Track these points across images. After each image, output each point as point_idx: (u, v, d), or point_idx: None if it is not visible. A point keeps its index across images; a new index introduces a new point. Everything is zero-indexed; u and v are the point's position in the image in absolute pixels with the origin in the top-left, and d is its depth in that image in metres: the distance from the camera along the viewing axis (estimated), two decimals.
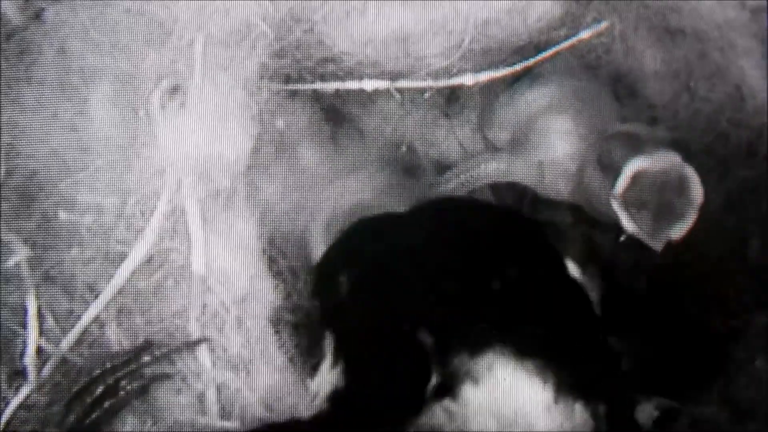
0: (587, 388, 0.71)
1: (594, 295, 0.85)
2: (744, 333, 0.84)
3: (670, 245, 0.84)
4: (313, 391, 0.80)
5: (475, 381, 0.70)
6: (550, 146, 0.93)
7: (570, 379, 0.70)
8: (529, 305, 0.75)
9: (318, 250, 0.92)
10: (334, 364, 0.78)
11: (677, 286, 0.88)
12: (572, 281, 0.81)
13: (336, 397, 0.76)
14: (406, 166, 1.01)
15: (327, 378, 0.78)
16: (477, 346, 0.71)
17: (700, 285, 0.87)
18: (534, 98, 0.94)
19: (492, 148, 0.99)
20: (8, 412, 0.81)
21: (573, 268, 0.86)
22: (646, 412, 0.85)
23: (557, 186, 0.94)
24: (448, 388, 0.70)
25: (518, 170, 0.95)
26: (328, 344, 0.80)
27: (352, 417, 0.74)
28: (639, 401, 0.84)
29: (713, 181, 0.87)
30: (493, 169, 0.96)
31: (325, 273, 0.87)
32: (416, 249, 0.80)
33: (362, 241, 0.86)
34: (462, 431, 0.69)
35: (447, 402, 0.70)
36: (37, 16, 0.86)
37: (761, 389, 0.83)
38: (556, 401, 0.69)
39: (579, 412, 0.70)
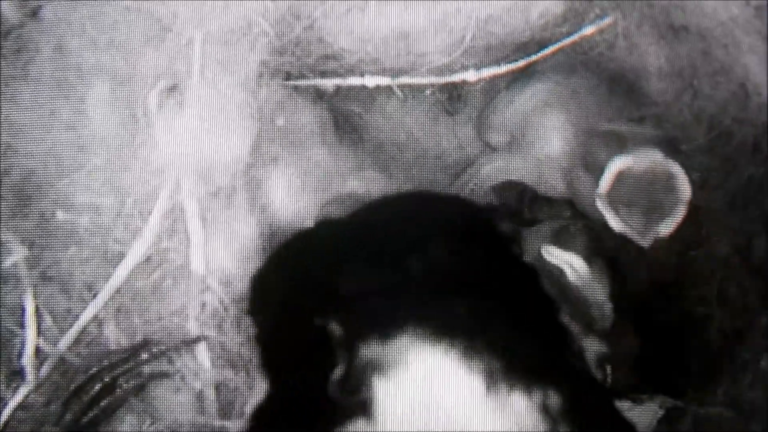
0: (526, 373, 0.58)
1: (603, 289, 0.84)
2: (748, 333, 0.84)
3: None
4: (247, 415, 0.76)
5: (385, 372, 0.58)
6: (547, 143, 0.92)
7: (503, 362, 0.58)
8: (452, 282, 0.67)
9: None
10: (261, 379, 0.73)
11: (681, 285, 0.88)
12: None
13: (258, 415, 0.70)
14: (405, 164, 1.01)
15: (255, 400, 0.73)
16: (387, 330, 0.59)
17: (704, 284, 0.87)
18: (532, 95, 0.94)
19: (490, 149, 0.99)
20: (6, 413, 0.80)
21: (579, 264, 0.85)
22: (651, 410, 0.83)
23: (555, 183, 0.93)
24: (353, 384, 0.58)
25: (516, 168, 0.95)
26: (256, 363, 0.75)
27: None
28: (642, 400, 0.82)
29: (717, 180, 0.87)
30: (492, 170, 0.96)
31: (258, 294, 0.82)
32: (325, 236, 0.77)
33: (286, 251, 0.81)
34: None
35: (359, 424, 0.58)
36: (34, 13, 0.85)
37: (766, 389, 0.83)
38: (487, 390, 0.57)
39: (520, 403, 0.57)
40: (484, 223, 0.83)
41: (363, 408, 0.58)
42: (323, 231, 0.81)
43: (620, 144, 0.87)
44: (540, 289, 0.76)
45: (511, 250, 0.79)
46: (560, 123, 0.92)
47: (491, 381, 0.58)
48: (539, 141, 0.93)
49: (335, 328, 0.62)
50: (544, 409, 0.58)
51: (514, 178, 0.96)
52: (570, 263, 0.87)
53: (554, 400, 0.58)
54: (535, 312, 0.72)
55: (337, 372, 0.59)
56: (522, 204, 0.99)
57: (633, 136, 0.88)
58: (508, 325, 0.63)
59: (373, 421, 0.57)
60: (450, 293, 0.65)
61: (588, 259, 0.87)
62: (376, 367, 0.58)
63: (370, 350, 0.59)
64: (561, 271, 0.86)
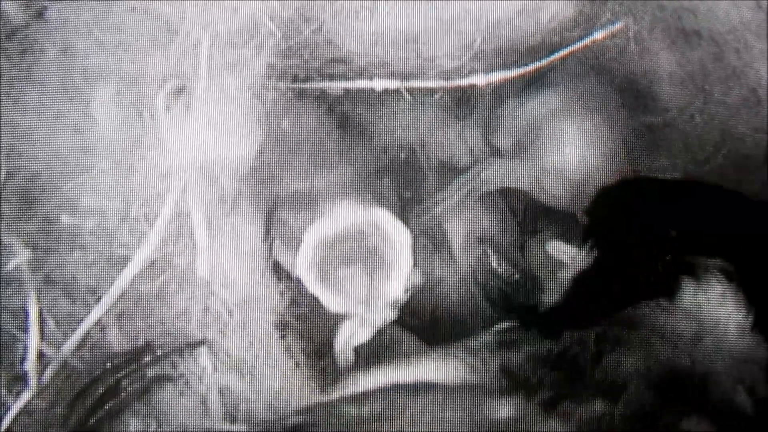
0: None
1: None
2: None
3: None
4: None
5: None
6: (554, 152, 0.93)
7: None
8: None
9: None
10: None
11: None
12: None
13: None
14: (409, 170, 1.00)
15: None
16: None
17: None
18: (542, 102, 0.94)
19: (496, 153, 0.99)
20: (9, 419, 0.80)
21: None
22: None
23: (558, 194, 0.94)
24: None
25: (519, 175, 0.95)
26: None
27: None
28: None
29: (730, 186, 0.86)
30: (494, 174, 0.96)
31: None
32: None
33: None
34: None
35: None
36: (40, 14, 0.85)
37: None
38: None
39: None
40: None
41: None
42: None
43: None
44: None
45: None
46: (571, 133, 0.91)
47: None
48: (547, 149, 0.93)
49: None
50: None
51: (514, 185, 0.96)
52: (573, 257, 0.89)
53: None
54: None
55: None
56: (521, 211, 1.00)
57: None
58: None
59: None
60: None
61: None
62: None
63: None
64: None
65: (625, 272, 0.81)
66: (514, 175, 0.95)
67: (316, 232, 0.86)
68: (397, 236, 0.87)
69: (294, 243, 0.87)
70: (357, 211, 0.87)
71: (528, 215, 1.04)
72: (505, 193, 1.01)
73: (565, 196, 0.93)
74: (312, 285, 0.86)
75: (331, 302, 0.87)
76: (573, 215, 0.96)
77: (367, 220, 0.87)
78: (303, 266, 0.86)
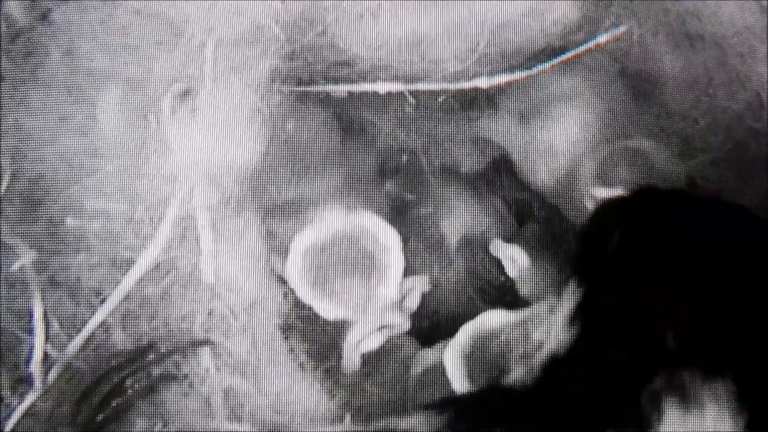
0: None
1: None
2: None
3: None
4: (537, 341, 0.78)
5: (689, 406, 0.66)
6: (554, 135, 0.93)
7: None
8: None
9: None
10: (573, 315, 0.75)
11: None
12: None
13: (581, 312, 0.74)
14: (411, 173, 1.01)
15: (569, 296, 0.77)
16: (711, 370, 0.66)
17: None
18: (546, 104, 0.93)
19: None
20: (13, 420, 0.80)
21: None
22: None
23: (541, 174, 0.94)
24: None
25: (508, 132, 0.96)
26: (568, 288, 0.77)
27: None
28: None
29: (734, 190, 0.86)
30: (486, 124, 0.97)
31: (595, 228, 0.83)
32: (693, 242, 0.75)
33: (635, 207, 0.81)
34: None
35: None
36: (44, 16, 0.85)
37: None
38: None
39: None
40: None
41: None
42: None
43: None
44: None
45: None
46: (570, 131, 0.92)
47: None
48: (547, 128, 0.93)
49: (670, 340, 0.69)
50: None
51: (500, 139, 0.97)
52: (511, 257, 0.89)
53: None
54: None
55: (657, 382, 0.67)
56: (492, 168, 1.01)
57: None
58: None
59: None
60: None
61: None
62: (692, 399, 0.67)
63: (692, 381, 0.67)
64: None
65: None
66: (507, 130, 0.95)
67: (304, 240, 0.87)
68: (385, 239, 0.87)
69: (283, 252, 0.87)
70: (343, 217, 0.87)
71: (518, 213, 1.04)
72: (499, 189, 1.01)
73: (548, 178, 0.94)
74: (304, 293, 0.87)
75: (325, 310, 0.87)
76: (556, 208, 0.96)
77: (355, 224, 0.88)
78: (293, 275, 0.86)
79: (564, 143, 0.93)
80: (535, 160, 0.95)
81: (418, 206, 1.00)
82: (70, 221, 0.83)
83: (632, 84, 0.93)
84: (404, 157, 1.01)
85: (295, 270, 0.86)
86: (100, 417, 0.80)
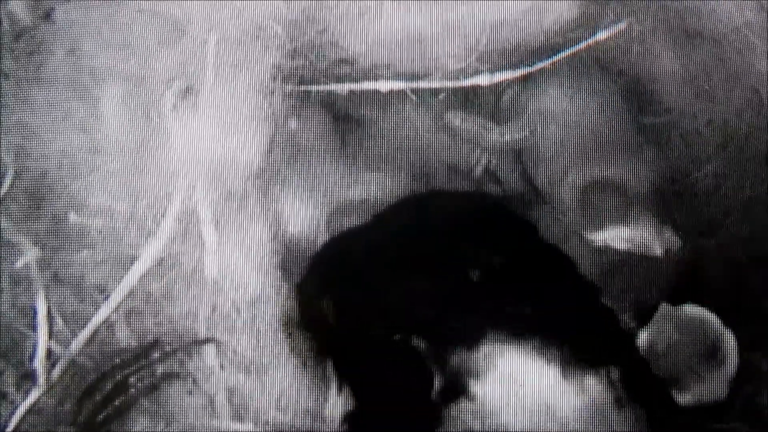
0: (593, 356, 0.70)
1: None
2: (765, 343, 0.83)
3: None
4: (329, 417, 0.79)
5: (477, 375, 0.69)
6: (543, 139, 0.93)
7: (572, 350, 0.69)
8: (512, 287, 0.74)
9: None
10: (340, 388, 0.78)
11: (696, 290, 0.88)
12: (551, 251, 0.80)
13: (352, 420, 0.76)
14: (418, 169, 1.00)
15: (337, 402, 0.78)
16: (471, 340, 0.70)
17: (720, 291, 0.86)
18: (545, 100, 0.93)
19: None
20: (17, 416, 0.80)
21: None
22: None
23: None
24: (454, 390, 0.69)
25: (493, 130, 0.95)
26: (330, 369, 0.80)
27: None
28: None
29: (732, 188, 0.87)
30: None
31: (307, 302, 0.86)
32: (387, 254, 0.80)
33: (335, 260, 0.85)
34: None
35: (462, 404, 0.69)
36: (47, 15, 0.85)
37: None
38: (564, 377, 0.68)
39: (592, 382, 0.69)
40: (512, 216, 0.86)
41: (466, 408, 0.69)
42: (364, 246, 0.84)
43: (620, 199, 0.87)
44: (579, 275, 0.81)
45: (541, 239, 0.82)
46: (568, 130, 0.92)
47: (566, 369, 0.69)
48: (536, 132, 0.93)
49: (419, 342, 0.72)
50: (610, 382, 0.70)
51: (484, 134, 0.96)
52: (616, 238, 0.87)
53: (614, 373, 0.70)
54: (584, 300, 0.79)
55: (437, 382, 0.70)
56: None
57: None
58: (567, 317, 0.73)
59: (478, 418, 0.69)
60: (512, 296, 0.74)
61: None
62: (468, 372, 0.69)
63: (459, 360, 0.70)
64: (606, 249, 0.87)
65: None
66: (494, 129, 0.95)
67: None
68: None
69: None
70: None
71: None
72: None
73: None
74: None
75: None
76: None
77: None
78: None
79: (561, 146, 0.93)
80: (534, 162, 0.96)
81: None
82: (73, 218, 0.83)
83: (630, 81, 0.93)
84: (406, 155, 1.01)
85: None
86: (102, 415, 0.80)
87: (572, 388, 0.68)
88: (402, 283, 0.77)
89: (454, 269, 0.77)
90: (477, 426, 0.69)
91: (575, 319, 0.74)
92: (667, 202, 0.89)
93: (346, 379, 0.78)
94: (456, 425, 0.70)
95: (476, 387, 0.69)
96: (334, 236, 0.88)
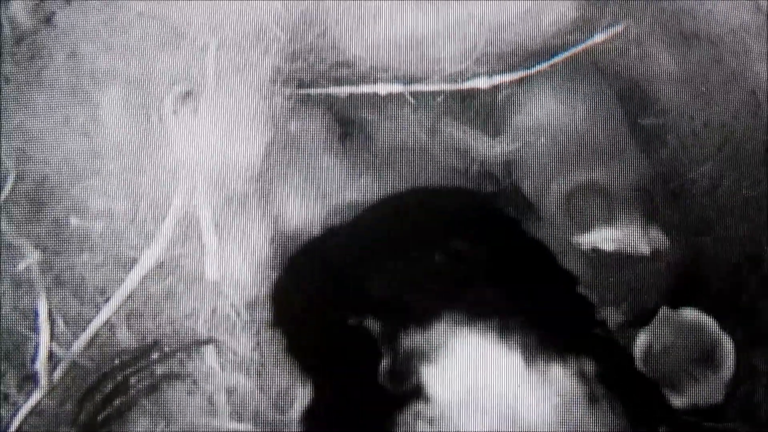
0: (560, 345, 0.64)
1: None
2: (761, 342, 0.83)
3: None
4: (295, 420, 0.77)
5: (429, 357, 0.64)
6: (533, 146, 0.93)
7: (537, 337, 0.64)
8: (476, 269, 0.69)
9: None
10: (303, 385, 0.74)
11: (693, 290, 0.88)
12: (529, 243, 0.76)
13: (308, 417, 0.72)
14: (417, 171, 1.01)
15: (301, 404, 0.75)
16: (424, 320, 0.65)
17: (716, 293, 0.87)
18: (542, 103, 0.94)
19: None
20: (19, 417, 0.81)
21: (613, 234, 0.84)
22: None
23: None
24: (404, 372, 0.64)
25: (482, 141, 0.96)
26: (296, 370, 0.76)
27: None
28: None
29: (729, 189, 0.87)
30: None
31: (278, 305, 0.83)
32: (355, 241, 0.76)
33: (306, 254, 0.82)
34: None
35: (417, 405, 0.63)
36: (48, 19, 0.85)
37: None
38: (527, 364, 0.63)
39: (559, 374, 0.63)
40: (491, 209, 0.84)
41: (416, 393, 0.63)
42: (337, 235, 0.82)
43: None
44: (556, 265, 0.77)
45: (522, 231, 0.79)
46: (566, 132, 0.92)
47: (529, 355, 0.63)
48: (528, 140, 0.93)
49: (373, 324, 0.66)
50: (581, 375, 0.64)
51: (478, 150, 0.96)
52: (602, 240, 0.86)
53: (588, 366, 0.64)
54: (556, 287, 0.74)
55: (385, 364, 0.64)
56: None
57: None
58: (535, 302, 0.67)
59: (428, 404, 0.63)
60: (476, 279, 0.68)
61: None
62: (420, 355, 0.63)
63: (411, 340, 0.64)
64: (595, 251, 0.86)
65: None
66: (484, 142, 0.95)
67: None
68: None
69: None
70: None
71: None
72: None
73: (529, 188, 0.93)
74: None
75: None
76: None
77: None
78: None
79: (549, 153, 0.93)
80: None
81: None
82: (74, 221, 0.83)
83: (627, 82, 0.93)
84: (405, 156, 1.01)
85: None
86: (102, 415, 0.80)
87: (535, 377, 0.62)
88: (362, 265, 0.74)
89: (419, 251, 0.73)
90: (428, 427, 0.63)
91: (542, 303, 0.69)
92: (657, 202, 0.88)
93: (308, 371, 0.74)
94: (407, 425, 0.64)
95: (428, 370, 0.64)
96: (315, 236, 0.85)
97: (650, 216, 0.87)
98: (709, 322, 0.80)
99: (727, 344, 0.80)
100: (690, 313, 0.80)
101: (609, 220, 0.86)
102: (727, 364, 0.79)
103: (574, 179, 0.89)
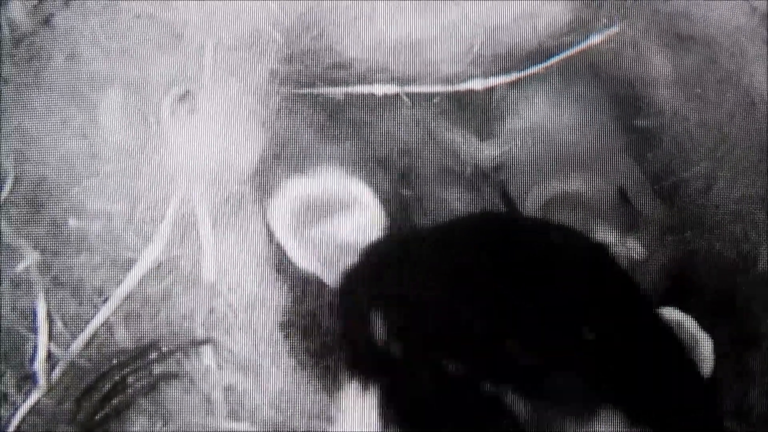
0: None
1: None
2: (755, 342, 0.84)
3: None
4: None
5: None
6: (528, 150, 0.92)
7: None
8: (633, 360, 0.58)
9: None
10: (385, 421, 0.62)
11: (684, 290, 0.88)
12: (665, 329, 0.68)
13: None
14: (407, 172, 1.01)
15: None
16: (582, 413, 0.53)
17: (710, 295, 0.87)
18: (536, 105, 0.94)
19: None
20: (18, 417, 0.81)
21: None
22: None
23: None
24: None
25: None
26: (365, 395, 0.65)
27: None
28: None
29: (723, 189, 0.87)
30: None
31: (351, 311, 0.72)
32: (471, 281, 0.62)
33: (391, 271, 0.69)
34: None
35: None
36: (47, 21, 0.86)
37: None
38: None
39: None
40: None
41: None
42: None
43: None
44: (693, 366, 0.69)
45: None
46: (561, 135, 0.92)
47: None
48: (522, 144, 0.93)
49: (517, 405, 0.54)
50: None
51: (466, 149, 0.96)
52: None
53: None
54: (696, 395, 0.65)
55: None
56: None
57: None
58: (683, 414, 0.59)
59: None
60: (626, 364, 0.58)
61: None
62: None
63: None
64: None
65: None
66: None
67: (294, 187, 0.85)
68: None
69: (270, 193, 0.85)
70: (340, 180, 0.85)
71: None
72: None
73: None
74: (282, 235, 0.84)
75: (298, 257, 0.85)
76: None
77: (348, 190, 0.86)
78: (275, 215, 0.84)
79: (532, 161, 0.93)
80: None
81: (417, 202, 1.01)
82: (72, 223, 0.83)
83: (623, 84, 0.93)
84: (401, 157, 1.01)
85: (278, 211, 0.85)
86: (100, 414, 0.81)
87: None
88: (493, 317, 0.59)
89: (561, 316, 0.59)
90: None
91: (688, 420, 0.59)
92: (640, 210, 0.88)
93: (392, 409, 0.61)
94: None
95: None
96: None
97: (629, 226, 0.87)
98: (687, 321, 0.79)
99: (706, 344, 0.78)
100: (668, 313, 0.79)
101: (584, 230, 0.86)
102: (705, 365, 0.78)
103: (552, 188, 0.88)
